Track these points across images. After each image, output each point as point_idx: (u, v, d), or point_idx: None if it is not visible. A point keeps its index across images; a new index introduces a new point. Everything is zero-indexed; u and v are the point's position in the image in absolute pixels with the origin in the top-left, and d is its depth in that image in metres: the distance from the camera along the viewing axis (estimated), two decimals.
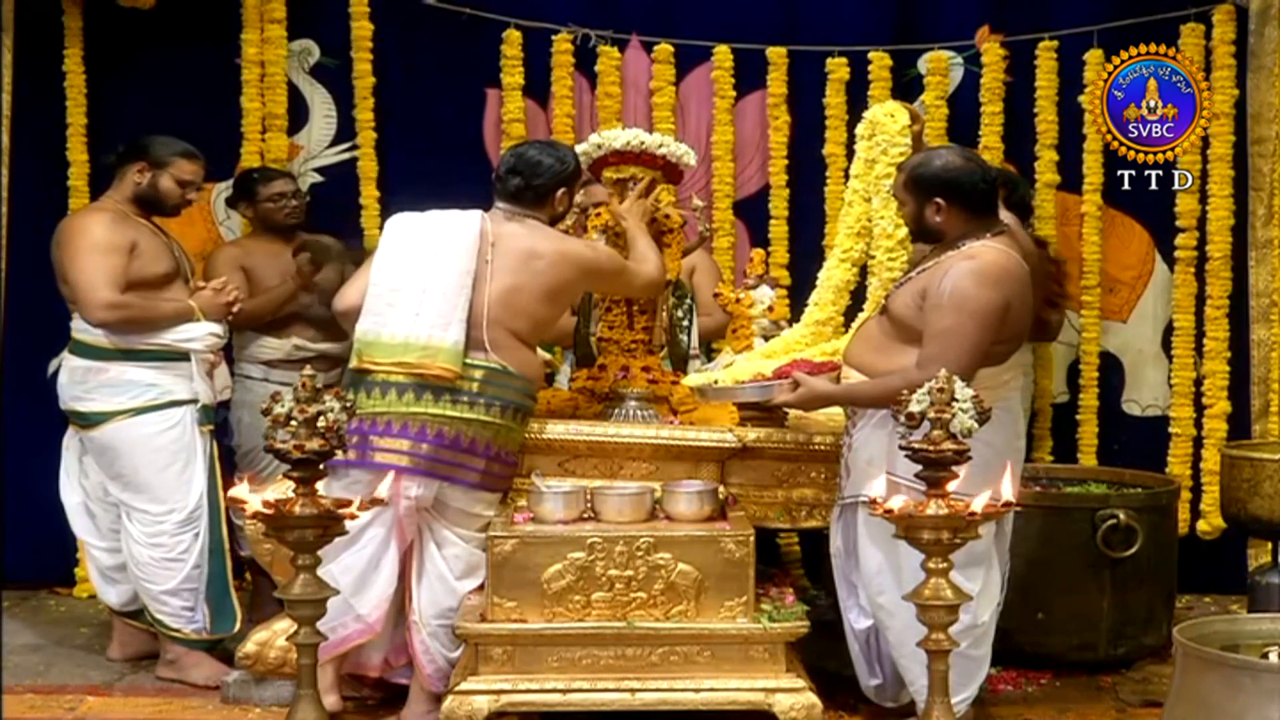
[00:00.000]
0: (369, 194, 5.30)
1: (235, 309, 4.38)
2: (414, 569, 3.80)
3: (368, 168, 5.31)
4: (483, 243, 3.81)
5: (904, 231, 3.96)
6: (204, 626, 4.23)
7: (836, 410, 3.88)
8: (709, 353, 4.99)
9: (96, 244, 4.16)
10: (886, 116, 4.07)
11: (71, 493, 4.40)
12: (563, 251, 3.87)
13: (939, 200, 3.55)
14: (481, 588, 3.72)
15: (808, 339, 4.28)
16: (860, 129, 4.17)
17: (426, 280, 3.75)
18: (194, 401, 4.26)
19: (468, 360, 3.72)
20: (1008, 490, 2.97)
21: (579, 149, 4.30)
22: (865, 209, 4.14)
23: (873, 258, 4.11)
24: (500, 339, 3.77)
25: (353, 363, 3.80)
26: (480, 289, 3.77)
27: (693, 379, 4.10)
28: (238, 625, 4.27)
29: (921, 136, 4.22)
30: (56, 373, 5.17)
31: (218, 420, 4.84)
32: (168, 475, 4.21)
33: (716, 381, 3.95)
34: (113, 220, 4.22)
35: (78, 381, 4.24)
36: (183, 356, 4.25)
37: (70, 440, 4.38)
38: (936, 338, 3.44)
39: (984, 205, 3.61)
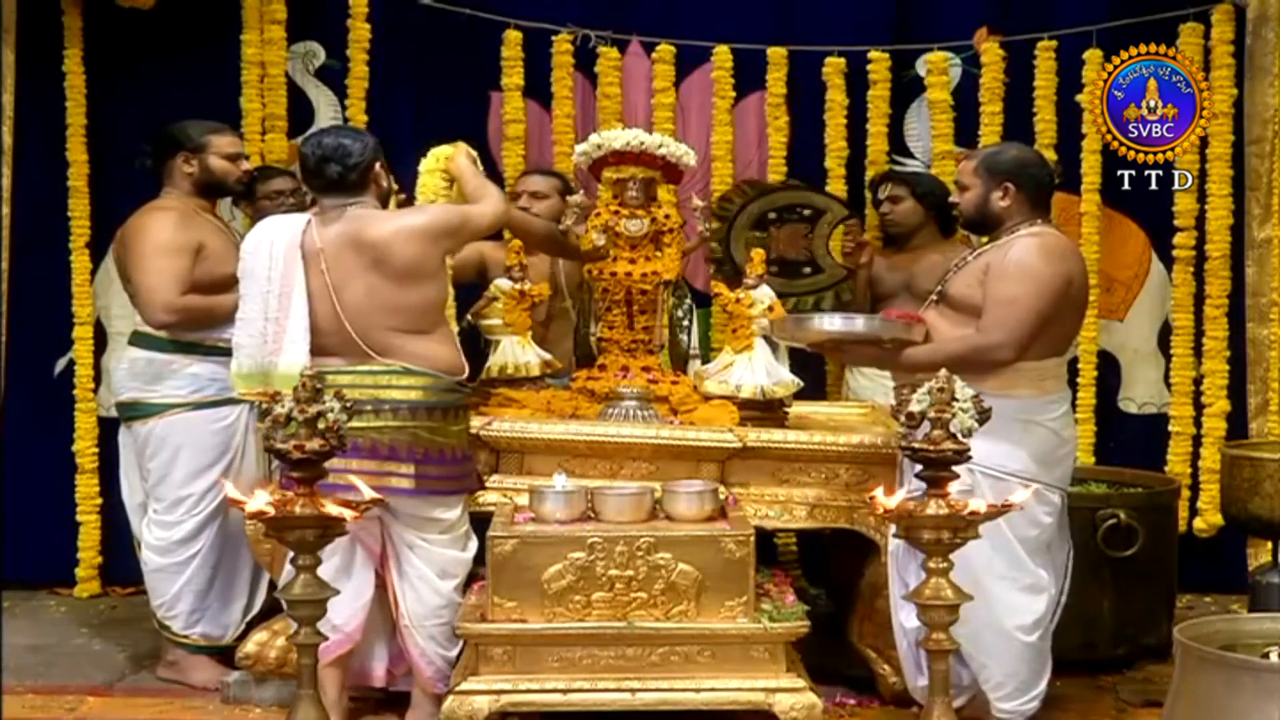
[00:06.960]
0: None
1: None
2: (393, 574, 3.74)
3: None
4: (310, 257, 3.67)
5: None
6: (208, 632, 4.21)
7: (845, 408, 3.83)
8: (709, 354, 4.98)
9: (161, 245, 4.11)
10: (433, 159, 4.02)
11: (133, 494, 4.34)
12: (396, 229, 3.67)
13: (1008, 184, 3.66)
14: (469, 585, 3.72)
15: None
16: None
17: (271, 308, 3.66)
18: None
19: (361, 368, 3.64)
20: (1020, 493, 3.04)
21: (579, 149, 4.31)
22: None
23: None
24: (385, 341, 3.66)
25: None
26: (326, 303, 3.64)
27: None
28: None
29: None
30: (63, 372, 5.22)
31: None
32: (207, 477, 4.14)
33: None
34: (179, 220, 4.17)
35: (140, 373, 4.18)
36: None
37: (125, 439, 4.31)
38: (999, 305, 3.54)
39: (1044, 198, 3.76)
